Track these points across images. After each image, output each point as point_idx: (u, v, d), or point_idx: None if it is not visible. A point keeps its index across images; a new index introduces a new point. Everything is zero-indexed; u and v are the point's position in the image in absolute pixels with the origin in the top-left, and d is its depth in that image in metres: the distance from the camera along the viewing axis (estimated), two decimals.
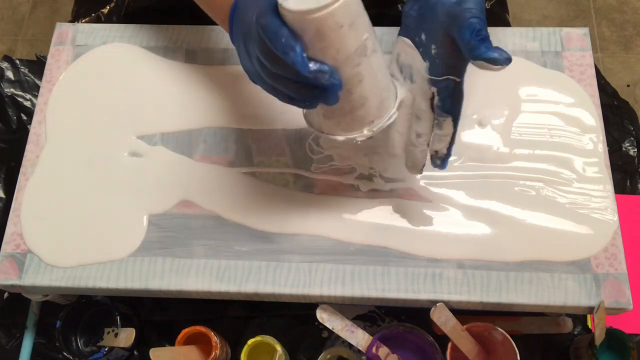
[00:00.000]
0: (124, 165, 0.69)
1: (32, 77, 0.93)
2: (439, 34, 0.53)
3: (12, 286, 0.65)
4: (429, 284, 0.62)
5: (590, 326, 0.74)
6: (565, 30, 0.73)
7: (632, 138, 0.86)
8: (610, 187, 0.65)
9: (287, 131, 0.70)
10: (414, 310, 0.72)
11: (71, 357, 0.69)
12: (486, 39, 0.50)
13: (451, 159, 0.64)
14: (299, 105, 0.51)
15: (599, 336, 0.64)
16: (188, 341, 0.68)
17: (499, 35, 0.73)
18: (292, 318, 0.75)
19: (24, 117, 0.90)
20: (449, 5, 0.52)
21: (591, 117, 0.69)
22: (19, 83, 0.92)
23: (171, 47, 0.75)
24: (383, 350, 0.63)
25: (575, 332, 0.73)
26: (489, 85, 0.70)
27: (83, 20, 0.91)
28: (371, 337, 0.63)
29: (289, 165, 0.68)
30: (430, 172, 0.66)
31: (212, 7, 0.62)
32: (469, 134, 0.68)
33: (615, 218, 0.64)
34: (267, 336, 0.67)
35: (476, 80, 0.70)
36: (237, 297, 0.64)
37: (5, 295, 0.78)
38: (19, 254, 0.66)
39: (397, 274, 0.63)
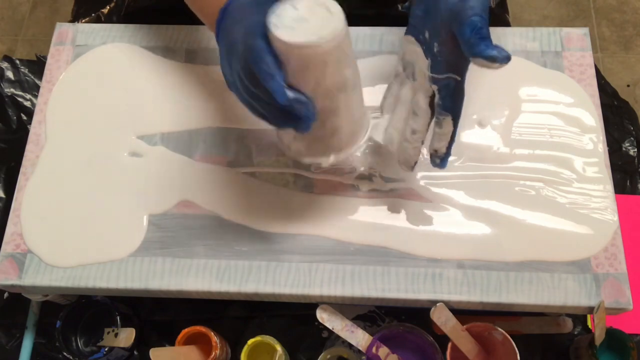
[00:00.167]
0: (124, 165, 0.69)
1: (32, 77, 0.93)
2: (442, 31, 0.53)
3: (12, 286, 0.65)
4: (429, 284, 0.62)
5: (590, 326, 0.74)
6: (565, 30, 0.73)
7: (632, 138, 0.86)
8: (610, 187, 0.65)
9: None
10: (414, 310, 0.72)
11: (71, 357, 0.69)
12: (486, 37, 0.50)
13: (451, 158, 0.63)
14: (270, 124, 0.52)
15: (599, 336, 0.64)
16: (188, 341, 0.68)
17: (499, 35, 0.73)
18: (292, 318, 0.75)
19: (24, 117, 0.90)
20: (452, 3, 0.52)
21: (591, 117, 0.69)
22: (19, 83, 0.92)
23: (171, 47, 0.75)
24: (383, 350, 0.63)
25: (575, 332, 0.73)
26: (489, 85, 0.70)
27: (83, 20, 0.91)
28: (371, 337, 0.63)
29: (289, 165, 0.68)
30: (430, 172, 0.66)
31: (201, 10, 0.62)
32: (469, 134, 0.68)
33: (615, 218, 0.64)
34: (267, 336, 0.67)
35: (476, 80, 0.70)
36: (237, 297, 0.64)
37: (5, 295, 0.78)
38: (19, 254, 0.66)
39: (397, 274, 0.63)
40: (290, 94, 0.48)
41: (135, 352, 0.75)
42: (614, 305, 0.61)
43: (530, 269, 0.62)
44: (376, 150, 0.67)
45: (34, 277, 0.65)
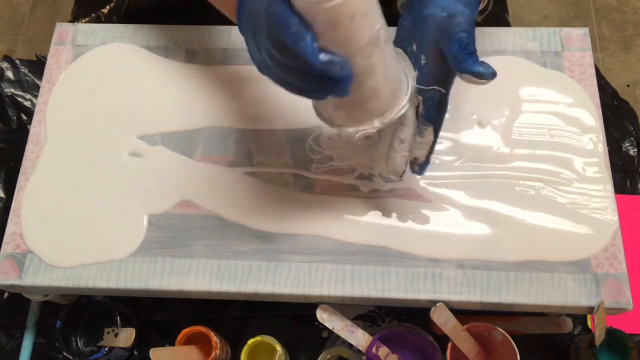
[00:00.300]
0: (124, 165, 0.69)
1: (32, 77, 0.93)
2: (429, 45, 0.54)
3: (12, 286, 0.65)
4: (429, 284, 0.62)
5: (590, 326, 0.74)
6: (565, 30, 0.73)
7: (632, 138, 0.86)
8: (610, 187, 0.65)
9: (287, 131, 0.70)
10: (414, 310, 0.72)
11: (71, 357, 0.69)
12: (473, 53, 0.51)
13: (451, 158, 0.64)
14: (308, 97, 0.50)
15: (599, 336, 0.64)
16: (188, 341, 0.68)
17: (499, 35, 0.73)
18: (292, 318, 0.75)
19: (24, 117, 0.90)
20: (440, 19, 0.53)
21: (591, 117, 0.69)
22: (19, 83, 0.92)
23: (171, 47, 0.75)
24: (383, 350, 0.63)
25: (575, 332, 0.73)
26: (489, 85, 0.70)
27: (83, 20, 0.91)
28: (371, 337, 0.63)
29: (289, 165, 0.68)
30: (430, 172, 0.66)
31: (223, 3, 0.60)
32: (469, 134, 0.68)
33: (615, 218, 0.64)
34: (267, 336, 0.67)
35: None
36: (237, 297, 0.64)
37: (5, 295, 0.78)
38: (19, 254, 0.66)
39: (397, 274, 0.63)
40: (323, 55, 0.46)
41: (135, 352, 0.75)
42: (614, 305, 0.61)
43: (530, 269, 0.62)
44: (376, 150, 0.67)
45: (34, 277, 0.65)
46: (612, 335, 0.67)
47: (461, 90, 0.70)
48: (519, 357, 0.62)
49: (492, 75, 0.51)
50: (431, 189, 0.66)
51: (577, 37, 0.73)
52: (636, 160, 0.85)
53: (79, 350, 0.74)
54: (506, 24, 0.88)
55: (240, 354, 0.66)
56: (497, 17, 0.87)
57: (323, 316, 0.62)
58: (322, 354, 0.70)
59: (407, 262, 0.63)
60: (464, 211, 0.65)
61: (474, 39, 0.52)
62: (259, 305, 0.75)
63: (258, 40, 0.49)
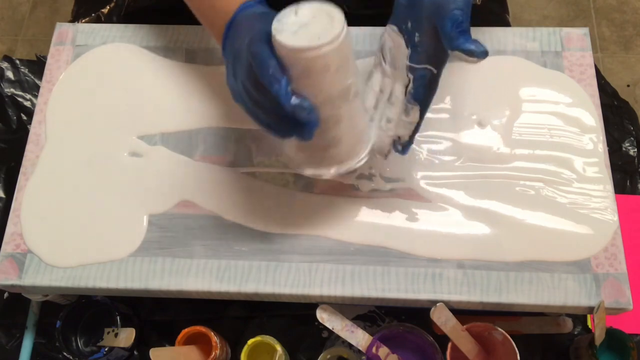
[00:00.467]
0: (124, 165, 0.69)
1: (32, 77, 0.93)
2: (424, 22, 0.54)
3: (12, 286, 0.65)
4: (429, 284, 0.62)
5: (590, 326, 0.74)
6: (565, 30, 0.73)
7: (632, 138, 0.86)
8: (610, 187, 0.65)
9: None
10: (414, 310, 0.72)
11: (71, 357, 0.69)
12: (466, 31, 0.51)
13: (451, 158, 0.63)
14: (274, 134, 0.53)
15: (599, 336, 0.64)
16: (188, 341, 0.68)
17: (499, 35, 0.73)
18: (292, 318, 0.75)
19: (24, 117, 0.90)
20: None
21: (591, 117, 0.69)
22: (19, 83, 0.92)
23: (171, 47, 0.75)
24: (383, 350, 0.63)
25: (575, 332, 0.73)
26: (489, 85, 0.70)
27: (83, 20, 0.91)
28: (371, 337, 0.63)
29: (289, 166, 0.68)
30: (430, 172, 0.66)
31: (208, 22, 0.62)
32: (469, 134, 0.68)
33: (615, 218, 0.64)
34: (267, 336, 0.67)
35: (476, 80, 0.70)
36: (237, 297, 0.64)
37: (5, 295, 0.78)
38: (19, 254, 0.66)
39: (397, 274, 0.63)
40: (294, 99, 0.48)
41: (135, 352, 0.75)
42: (614, 305, 0.61)
43: (530, 269, 0.62)
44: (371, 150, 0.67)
45: (34, 277, 0.65)
46: (612, 335, 0.67)
47: (461, 90, 0.70)
48: (519, 357, 0.62)
49: (484, 53, 0.50)
50: (431, 189, 0.66)
51: (577, 37, 0.73)
52: (636, 160, 0.85)
53: (79, 350, 0.74)
54: (506, 24, 0.88)
55: (240, 354, 0.66)
56: (497, 17, 0.87)
57: (323, 316, 0.62)
58: (322, 354, 0.70)
59: (407, 262, 0.63)
60: (464, 211, 0.65)
61: (469, 18, 0.52)
62: (259, 305, 0.75)
63: (237, 70, 0.52)
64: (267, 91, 0.49)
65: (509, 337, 0.63)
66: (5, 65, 0.93)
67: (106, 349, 0.69)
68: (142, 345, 0.75)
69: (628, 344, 0.67)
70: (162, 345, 0.75)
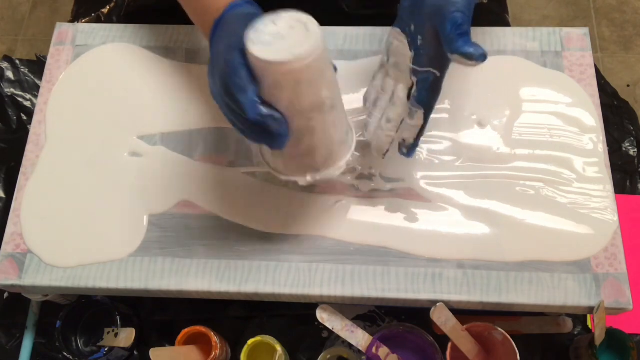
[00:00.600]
0: (124, 165, 0.69)
1: (32, 77, 0.93)
2: (426, 25, 0.54)
3: (12, 286, 0.65)
4: (429, 284, 0.62)
5: (590, 326, 0.74)
6: (565, 30, 0.73)
7: (632, 138, 0.86)
8: (610, 187, 0.65)
9: None
10: (414, 310, 0.72)
11: (71, 357, 0.69)
12: (465, 34, 0.51)
13: (451, 158, 0.63)
14: (247, 139, 0.53)
15: (599, 336, 0.64)
16: (188, 341, 0.68)
17: (499, 35, 0.73)
18: (292, 318, 0.75)
19: (24, 117, 0.90)
20: None
21: (591, 117, 0.69)
22: (19, 83, 0.92)
23: (171, 47, 0.75)
24: (383, 350, 0.63)
25: (575, 332, 0.73)
26: (489, 85, 0.70)
27: (83, 20, 0.91)
28: (371, 337, 0.63)
29: None
30: (430, 172, 0.66)
31: (199, 21, 0.63)
32: (469, 134, 0.68)
33: (615, 218, 0.64)
34: (267, 336, 0.67)
35: (476, 80, 0.70)
36: (237, 297, 0.64)
37: (5, 295, 0.78)
38: (19, 254, 0.66)
39: (397, 274, 0.63)
40: (263, 110, 0.49)
41: (135, 352, 0.75)
42: (614, 305, 0.61)
43: (530, 269, 0.62)
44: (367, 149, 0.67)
45: (34, 277, 0.65)
46: (612, 335, 0.67)
47: (461, 90, 0.70)
48: (519, 357, 0.62)
49: (482, 57, 0.50)
50: (431, 189, 0.66)
51: (577, 37, 0.73)
52: (636, 160, 0.85)
53: (79, 350, 0.74)
54: (506, 24, 0.88)
55: (240, 354, 0.66)
56: (497, 17, 0.87)
57: (323, 316, 0.62)
58: (322, 354, 0.70)
59: (407, 262, 0.63)
60: (464, 211, 0.65)
61: (470, 20, 0.52)
62: (259, 305, 0.75)
63: (214, 72, 0.52)
64: (236, 100, 0.49)
65: (509, 337, 0.63)
66: (5, 65, 0.93)
67: (106, 349, 0.69)
68: (142, 345, 0.75)
69: (628, 344, 0.67)
70: (162, 345, 0.75)
